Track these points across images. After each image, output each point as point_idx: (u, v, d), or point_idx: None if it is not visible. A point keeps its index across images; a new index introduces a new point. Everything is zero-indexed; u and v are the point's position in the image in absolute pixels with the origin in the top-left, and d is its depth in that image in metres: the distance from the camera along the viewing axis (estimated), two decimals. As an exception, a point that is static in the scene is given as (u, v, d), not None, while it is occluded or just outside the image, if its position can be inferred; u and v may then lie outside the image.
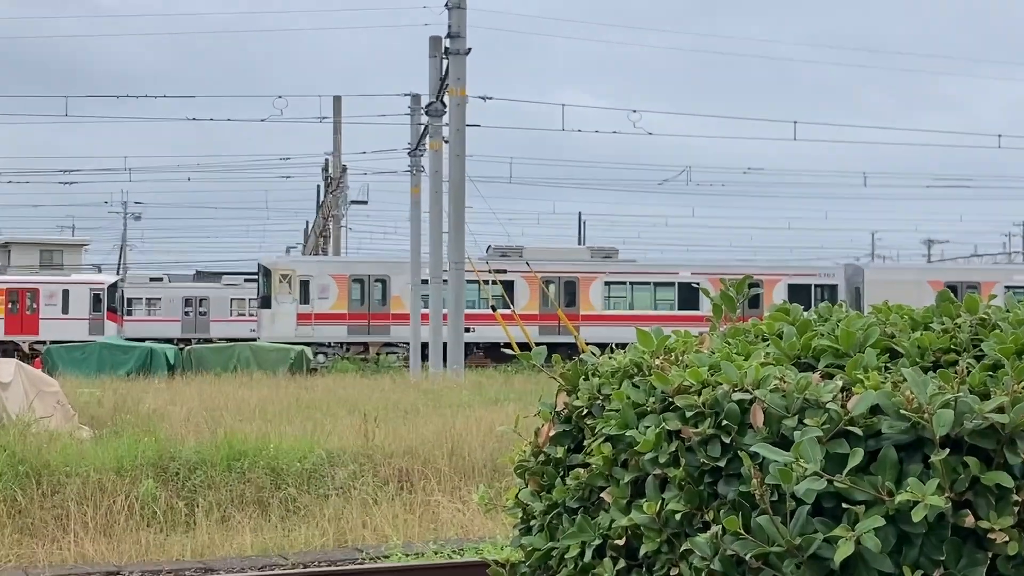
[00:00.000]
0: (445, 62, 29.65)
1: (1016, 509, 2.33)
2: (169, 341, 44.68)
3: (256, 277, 42.21)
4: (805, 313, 3.35)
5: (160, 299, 52.83)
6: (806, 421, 2.51)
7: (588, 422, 3.14)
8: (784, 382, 2.65)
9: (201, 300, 52.95)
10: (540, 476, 3.27)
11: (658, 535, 2.73)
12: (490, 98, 32.66)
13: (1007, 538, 2.30)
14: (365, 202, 54.47)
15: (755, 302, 37.21)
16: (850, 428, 2.47)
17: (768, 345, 3.07)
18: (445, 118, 31.15)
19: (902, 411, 2.42)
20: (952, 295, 3.18)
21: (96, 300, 45.73)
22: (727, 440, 2.66)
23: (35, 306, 45.04)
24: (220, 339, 49.28)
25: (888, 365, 2.76)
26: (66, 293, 45.49)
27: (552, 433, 3.28)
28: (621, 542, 2.83)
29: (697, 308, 39.31)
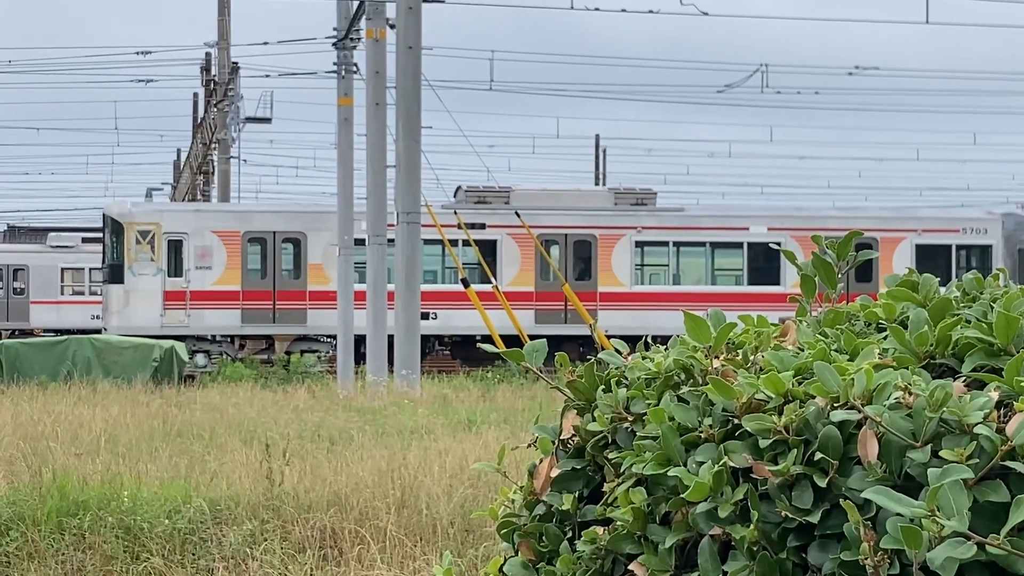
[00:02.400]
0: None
1: None
2: (-33, 334, 44.52)
3: (101, 235, 42.10)
4: (942, 288, 3.35)
5: (-47, 269, 52.68)
6: (943, 453, 2.52)
7: (610, 456, 3.15)
8: (910, 394, 2.65)
9: (16, 271, 52.85)
10: (537, 538, 3.28)
11: (717, 628, 2.74)
12: (459, -41, 32.64)
13: None
14: (268, 120, 54.36)
15: (866, 272, 37.42)
16: (1011, 464, 2.47)
17: (886, 338, 3.07)
18: (390, -10, 31.03)
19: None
20: None
21: None
22: (823, 483, 2.67)
23: None
24: (46, 331, 49.18)
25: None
26: None
27: (555, 473, 3.28)
28: (661, 639, 2.84)
29: (777, 282, 39.41)
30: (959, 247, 40.85)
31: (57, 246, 53.43)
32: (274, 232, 39.68)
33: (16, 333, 49.09)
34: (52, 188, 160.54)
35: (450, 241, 35.96)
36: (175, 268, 39.06)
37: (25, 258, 53.09)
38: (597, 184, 66.65)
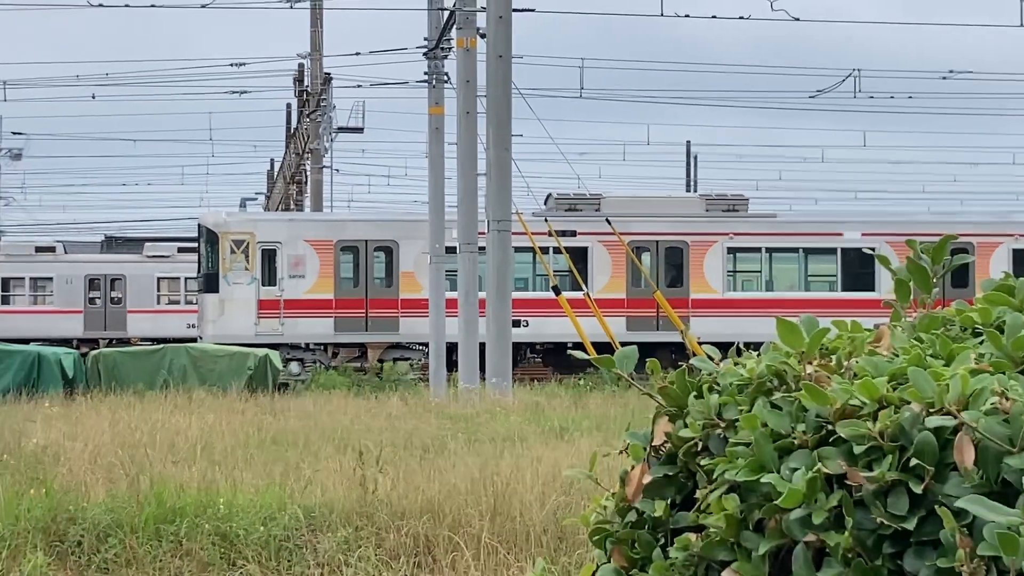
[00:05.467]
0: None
1: None
2: (66, 343, 45.10)
3: (196, 245, 42.55)
4: (1040, 293, 3.31)
5: (51, 279, 53.32)
6: (1041, 460, 2.49)
7: (702, 462, 3.14)
8: (1007, 399, 2.62)
9: (113, 281, 53.49)
10: (629, 545, 3.27)
11: (812, 636, 2.72)
12: (549, -33, 32.67)
13: None
14: (360, 130, 54.74)
15: (962, 277, 37.02)
16: (1111, 470, 2.44)
17: (982, 343, 3.04)
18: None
19: None
20: None
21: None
22: (918, 489, 2.65)
23: None
24: (142, 340, 49.72)
25: None
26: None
27: (647, 480, 3.27)
28: (755, 646, 2.82)
29: (872, 288, 39.09)
30: (1057, 252, 40.42)
31: (153, 256, 53.97)
32: (366, 241, 39.89)
33: (113, 342, 49.65)
34: (148, 199, 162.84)
35: (541, 249, 35.99)
36: (269, 277, 39.36)
37: (122, 268, 53.65)
38: (688, 191, 66.43)
